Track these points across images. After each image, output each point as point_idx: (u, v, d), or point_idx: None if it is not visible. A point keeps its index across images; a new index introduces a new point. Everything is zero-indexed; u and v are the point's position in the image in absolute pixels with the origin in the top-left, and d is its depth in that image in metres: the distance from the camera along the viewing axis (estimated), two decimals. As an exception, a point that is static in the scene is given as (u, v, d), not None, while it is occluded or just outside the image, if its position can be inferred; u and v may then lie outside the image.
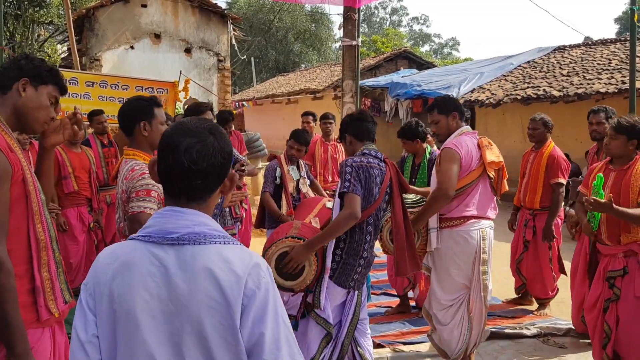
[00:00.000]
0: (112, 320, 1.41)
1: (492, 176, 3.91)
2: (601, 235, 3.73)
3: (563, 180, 5.18)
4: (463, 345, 3.92)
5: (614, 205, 3.39)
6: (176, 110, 9.19)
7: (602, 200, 3.39)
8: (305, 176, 5.22)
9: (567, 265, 5.76)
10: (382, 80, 17.56)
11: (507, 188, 4.15)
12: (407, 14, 66.72)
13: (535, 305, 5.61)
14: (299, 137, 5.09)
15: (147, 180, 2.64)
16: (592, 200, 3.44)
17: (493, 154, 3.89)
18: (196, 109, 4.38)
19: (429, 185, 5.03)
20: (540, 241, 5.31)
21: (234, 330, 1.38)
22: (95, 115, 6.41)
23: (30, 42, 19.67)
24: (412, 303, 5.48)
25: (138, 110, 2.82)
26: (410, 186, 5.00)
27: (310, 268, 3.17)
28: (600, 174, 3.62)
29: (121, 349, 1.40)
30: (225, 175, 1.53)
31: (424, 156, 5.21)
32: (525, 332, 4.88)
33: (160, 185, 2.66)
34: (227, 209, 4.34)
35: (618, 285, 3.67)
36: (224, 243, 1.45)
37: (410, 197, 4.14)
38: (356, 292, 3.34)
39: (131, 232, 2.53)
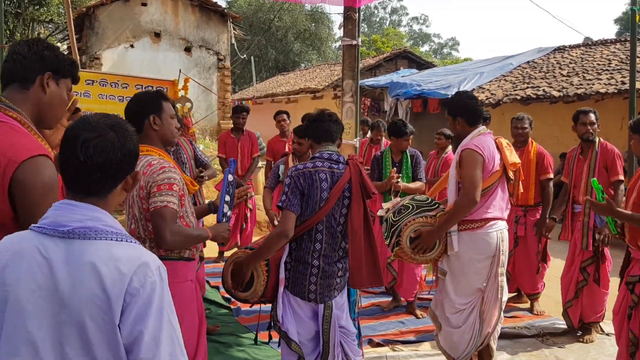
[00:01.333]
0: (2, 309, 1.42)
1: (511, 177, 3.85)
2: (626, 238, 3.59)
3: (551, 176, 5.42)
4: (472, 348, 3.81)
5: (614, 207, 3.33)
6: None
7: (600, 203, 3.35)
8: None
9: (556, 262, 5.77)
10: (381, 80, 17.55)
11: (522, 189, 4.10)
12: (407, 14, 66.74)
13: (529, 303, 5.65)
14: (298, 131, 5.20)
15: (168, 174, 2.57)
16: (592, 203, 3.42)
17: (513, 155, 3.83)
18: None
19: (413, 180, 5.28)
20: (531, 236, 5.43)
21: (114, 327, 1.38)
22: None
23: (30, 40, 19.60)
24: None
25: (147, 104, 2.73)
26: (404, 184, 5.11)
27: (258, 279, 3.15)
28: (595, 179, 3.59)
29: (5, 336, 1.41)
30: (128, 173, 1.54)
31: (404, 153, 5.35)
32: (524, 332, 4.89)
33: (181, 179, 2.65)
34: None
35: (637, 292, 3.53)
36: (116, 240, 1.45)
37: (422, 198, 3.93)
38: (321, 306, 3.12)
39: (157, 228, 2.49)
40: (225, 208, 2.91)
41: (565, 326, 4.98)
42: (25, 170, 1.80)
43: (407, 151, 5.36)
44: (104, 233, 1.44)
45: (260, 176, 10.48)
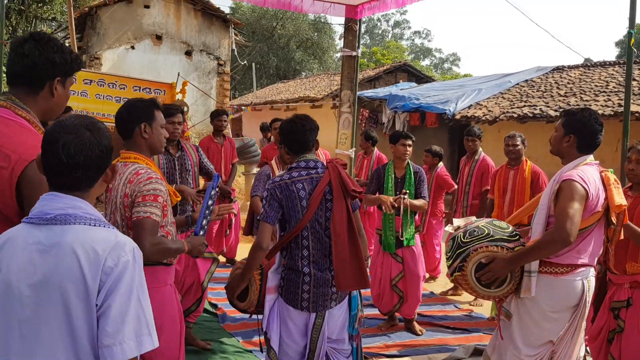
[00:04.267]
0: None
1: (614, 221, 3.17)
2: (609, 262, 3.58)
3: None
4: None
5: (629, 225, 3.28)
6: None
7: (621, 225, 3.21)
8: None
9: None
10: (380, 91, 17.61)
11: (622, 236, 3.42)
12: (410, 28, 67.05)
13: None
14: None
15: (154, 185, 2.59)
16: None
17: (619, 196, 3.15)
18: (165, 111, 4.41)
19: (416, 198, 5.03)
20: None
21: (91, 304, 1.50)
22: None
23: (31, 37, 19.60)
24: (398, 315, 5.45)
25: (139, 112, 2.74)
26: (411, 200, 4.86)
27: (252, 288, 3.24)
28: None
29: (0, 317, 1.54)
30: (106, 167, 1.66)
31: (407, 169, 5.18)
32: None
33: (166, 191, 2.67)
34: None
35: (622, 317, 3.51)
36: (93, 225, 1.58)
37: (503, 226, 3.36)
38: (313, 315, 3.08)
39: (135, 237, 2.47)
40: (204, 222, 2.92)
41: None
42: (34, 168, 1.83)
43: (411, 167, 5.17)
44: (83, 219, 1.57)
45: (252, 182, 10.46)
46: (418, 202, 4.99)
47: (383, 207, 4.97)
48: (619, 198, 3.12)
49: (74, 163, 1.56)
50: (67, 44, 16.68)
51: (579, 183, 3.02)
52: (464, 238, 3.26)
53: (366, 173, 7.30)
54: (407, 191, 4.97)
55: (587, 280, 3.13)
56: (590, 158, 3.23)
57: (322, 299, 3.08)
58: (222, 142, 6.91)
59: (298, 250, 3.08)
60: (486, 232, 3.26)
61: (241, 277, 3.17)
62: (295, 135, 3.17)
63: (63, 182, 1.59)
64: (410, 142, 5.19)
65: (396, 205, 4.87)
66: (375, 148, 7.61)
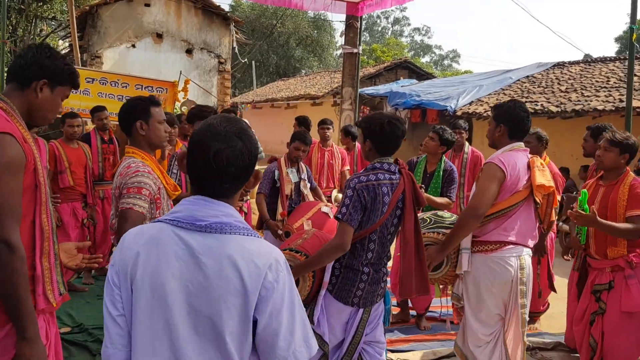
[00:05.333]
0: (131, 295, 1.52)
1: (538, 201, 3.47)
2: (590, 249, 3.82)
3: (558, 197, 5.17)
4: None
5: (598, 218, 3.49)
6: (175, 110, 9.20)
7: (586, 214, 3.48)
8: (306, 179, 5.22)
9: (560, 280, 5.79)
10: (381, 89, 17.61)
11: (554, 218, 3.75)
12: (409, 25, 66.89)
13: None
14: (305, 138, 5.12)
15: (139, 178, 2.70)
16: (576, 214, 3.52)
17: (543, 177, 3.46)
18: (199, 113, 4.46)
19: (441, 196, 4.96)
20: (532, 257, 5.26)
21: (247, 317, 1.49)
22: (96, 111, 6.41)
23: (32, 36, 19.67)
24: (412, 311, 5.48)
25: (135, 110, 2.88)
26: (428, 195, 4.65)
27: (304, 284, 3.12)
28: (585, 190, 3.69)
29: (142, 320, 1.49)
30: (251, 174, 1.61)
31: (439, 165, 5.08)
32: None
33: (155, 184, 2.74)
34: None
35: (604, 299, 3.74)
36: (248, 235, 1.55)
37: (446, 215, 3.71)
38: (361, 310, 3.10)
39: (119, 228, 2.62)
40: None
41: (554, 341, 4.98)
42: None
43: (442, 164, 5.07)
44: (238, 229, 1.54)
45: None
46: (440, 199, 4.84)
47: None
48: (541, 179, 3.40)
49: (224, 173, 1.52)
50: (68, 43, 16.62)
51: (497, 165, 3.34)
52: None
53: (351, 168, 7.25)
54: (423, 185, 4.86)
55: (520, 258, 3.40)
56: (519, 144, 3.49)
57: (372, 295, 3.11)
58: None
59: (363, 252, 3.04)
60: (427, 221, 3.61)
61: (299, 273, 3.05)
62: (390, 137, 3.06)
63: (210, 189, 1.54)
64: (432, 134, 5.05)
65: None
66: (357, 143, 7.47)
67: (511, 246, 3.39)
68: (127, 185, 2.68)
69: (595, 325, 3.74)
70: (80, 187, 5.77)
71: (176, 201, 3.31)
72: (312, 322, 3.07)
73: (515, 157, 3.41)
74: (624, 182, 3.69)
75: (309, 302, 3.15)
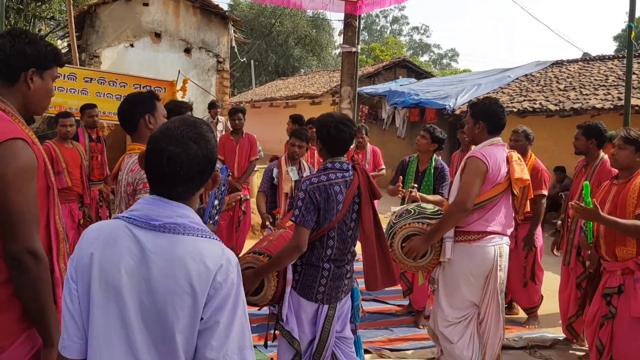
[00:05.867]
0: (88, 291, 1.52)
1: (516, 193, 3.72)
2: (600, 249, 3.69)
3: (545, 192, 5.27)
4: None
5: (601, 213, 3.38)
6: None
7: (588, 207, 3.38)
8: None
9: (553, 277, 5.80)
10: (380, 88, 17.60)
11: (528, 208, 3.97)
12: (408, 24, 66.94)
13: (521, 314, 5.66)
14: (300, 134, 5.17)
15: None
16: (578, 207, 3.43)
17: (521, 171, 3.68)
18: (176, 109, 4.42)
19: (434, 193, 5.06)
20: (520, 250, 5.34)
21: (196, 317, 1.49)
22: (87, 108, 6.40)
23: (30, 36, 19.56)
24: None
25: (141, 104, 2.77)
26: (421, 194, 4.74)
27: (269, 284, 3.17)
28: (587, 182, 3.58)
29: (97, 316, 1.51)
30: (209, 177, 1.62)
31: (430, 163, 5.18)
32: (512, 344, 4.90)
33: None
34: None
35: (614, 304, 3.61)
36: (202, 236, 1.55)
37: (429, 207, 3.88)
38: (326, 307, 3.17)
39: None
40: (213, 212, 2.97)
41: (553, 338, 4.99)
42: (3, 149, 1.85)
43: (433, 162, 5.18)
44: (192, 229, 1.55)
45: (257, 179, 10.47)
46: (432, 197, 4.85)
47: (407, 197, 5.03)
48: (519, 172, 3.61)
49: (177, 176, 1.53)
50: (66, 43, 16.63)
51: (480, 158, 3.54)
52: (394, 219, 3.81)
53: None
54: (415, 185, 4.96)
55: (499, 247, 3.61)
56: (498, 139, 3.71)
57: (336, 292, 3.17)
58: (239, 140, 6.89)
59: (322, 249, 3.12)
60: (412, 212, 3.79)
61: (262, 275, 3.11)
62: (336, 139, 3.14)
63: (165, 191, 1.56)
64: (423, 133, 5.21)
65: (406, 197, 4.90)
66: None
67: (492, 236, 3.60)
68: (144, 179, 2.57)
69: (604, 328, 3.63)
70: (77, 187, 5.75)
71: None
72: (281, 319, 3.16)
73: (495, 151, 3.63)
74: (635, 181, 3.58)
75: (277, 302, 3.22)
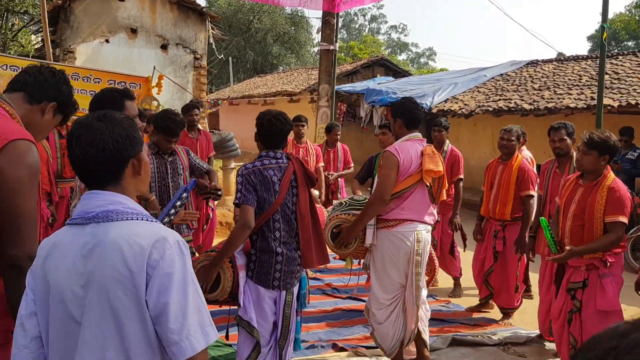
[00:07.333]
0: (46, 298, 1.53)
1: (428, 184, 3.98)
2: (565, 247, 3.77)
3: (533, 192, 5.23)
4: (397, 342, 4.03)
5: (574, 249, 3.63)
6: (150, 105, 9.07)
7: (564, 254, 3.65)
8: None
9: (532, 276, 5.87)
10: (358, 86, 17.62)
11: (444, 197, 4.32)
12: (386, 22, 67.23)
13: (495, 310, 5.69)
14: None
15: None
16: (554, 260, 3.77)
17: (432, 163, 3.93)
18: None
19: None
20: (510, 252, 5.29)
21: (140, 300, 1.47)
22: None
23: (4, 31, 19.27)
24: None
25: (108, 102, 2.77)
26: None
27: (225, 276, 3.29)
28: (543, 218, 3.86)
29: (52, 323, 1.53)
30: (129, 157, 1.60)
31: None
32: (486, 340, 4.94)
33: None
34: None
35: (578, 297, 3.72)
36: (136, 219, 1.55)
37: (360, 198, 4.30)
38: (284, 292, 3.38)
39: None
40: (172, 211, 3.17)
41: (527, 336, 5.04)
42: (12, 149, 1.90)
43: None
44: (125, 214, 1.54)
45: (232, 177, 10.40)
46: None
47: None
48: (430, 164, 3.89)
49: (87, 157, 1.54)
50: (40, 38, 16.32)
51: (393, 153, 3.89)
52: (330, 212, 4.27)
53: (335, 165, 7.41)
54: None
55: (416, 232, 3.92)
56: (416, 134, 4.04)
57: (290, 277, 3.40)
58: (197, 137, 6.63)
59: (270, 233, 3.32)
60: (343, 204, 4.22)
61: (216, 265, 3.25)
62: (269, 133, 3.42)
63: (89, 178, 1.58)
64: (383, 129, 5.66)
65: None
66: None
67: (408, 222, 3.93)
68: None
69: (574, 323, 3.73)
70: (45, 185, 5.63)
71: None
72: (239, 305, 3.30)
73: (409, 145, 3.95)
74: (603, 185, 3.61)
75: (236, 292, 3.32)
